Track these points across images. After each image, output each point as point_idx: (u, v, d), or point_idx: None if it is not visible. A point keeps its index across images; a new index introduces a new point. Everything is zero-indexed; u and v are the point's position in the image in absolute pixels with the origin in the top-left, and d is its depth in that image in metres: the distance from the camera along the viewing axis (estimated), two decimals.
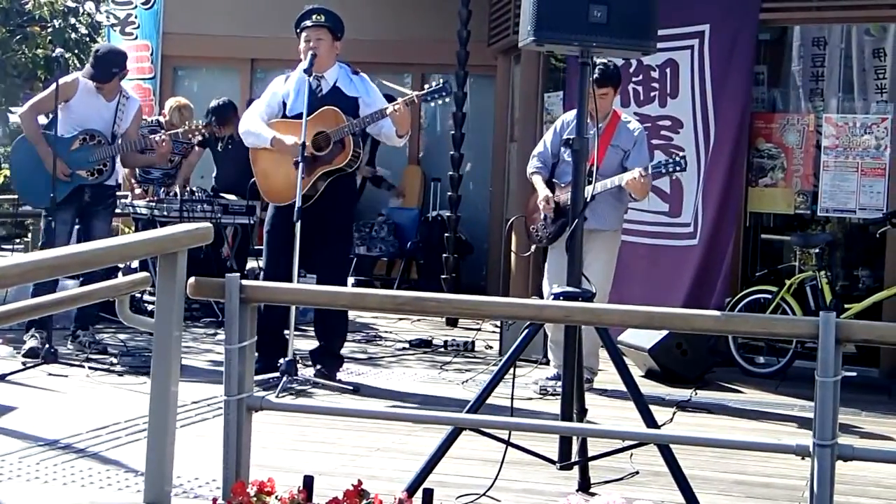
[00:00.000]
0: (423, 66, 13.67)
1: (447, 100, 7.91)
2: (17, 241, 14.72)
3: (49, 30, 12.08)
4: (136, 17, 13.85)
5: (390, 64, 13.13)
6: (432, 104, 8.08)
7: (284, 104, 7.84)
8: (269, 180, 7.83)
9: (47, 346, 7.78)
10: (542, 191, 7.82)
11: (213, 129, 9.03)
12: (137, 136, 8.61)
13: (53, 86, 8.32)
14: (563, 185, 7.67)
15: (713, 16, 9.51)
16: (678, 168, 7.50)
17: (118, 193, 9.16)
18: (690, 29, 9.52)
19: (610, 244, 7.92)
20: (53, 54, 8.34)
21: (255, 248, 10.92)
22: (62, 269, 3.99)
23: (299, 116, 7.62)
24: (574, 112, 7.94)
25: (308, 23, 7.75)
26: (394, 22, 13.70)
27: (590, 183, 7.59)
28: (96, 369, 7.69)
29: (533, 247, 8.35)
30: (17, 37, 12.03)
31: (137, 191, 10.80)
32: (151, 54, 13.82)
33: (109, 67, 8.35)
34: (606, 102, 7.81)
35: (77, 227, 8.50)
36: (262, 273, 7.99)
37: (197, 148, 11.14)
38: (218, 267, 10.12)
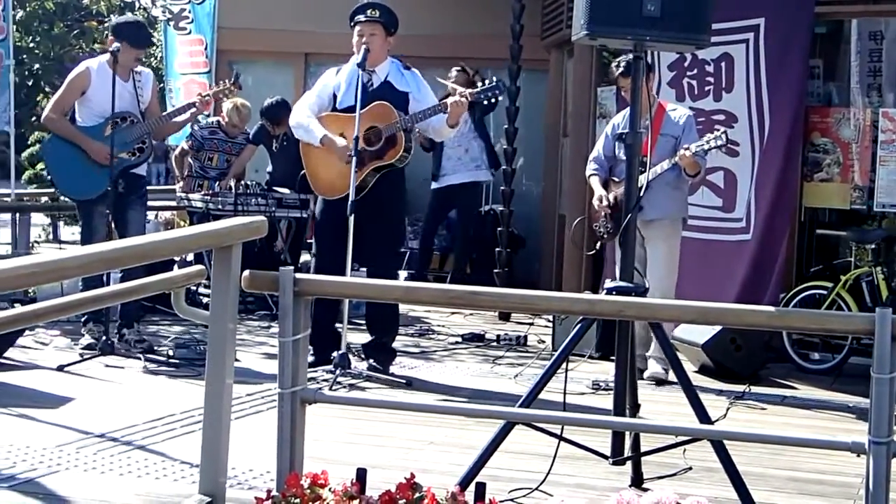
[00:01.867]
0: (475, 60, 13.64)
1: (500, 98, 7.91)
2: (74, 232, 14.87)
3: (106, 24, 12.19)
4: (189, 11, 13.92)
5: (442, 58, 13.11)
6: (485, 102, 8.04)
7: (335, 97, 7.87)
8: (319, 174, 7.87)
9: (104, 338, 7.85)
10: (598, 191, 8.00)
11: (239, 85, 8.97)
12: (158, 108, 8.58)
13: (67, 83, 8.35)
14: (617, 180, 7.75)
15: (769, 9, 9.45)
16: (720, 143, 7.56)
17: (170, 187, 9.19)
18: (746, 23, 9.46)
19: (669, 233, 7.98)
20: (110, 49, 8.34)
21: (309, 241, 11.00)
22: (120, 261, 4.03)
23: (349, 110, 7.66)
24: (622, 114, 8.02)
25: (362, 17, 7.77)
26: (446, 16, 13.70)
27: (642, 172, 7.70)
28: (152, 361, 7.75)
29: (598, 244, 8.42)
30: (75, 31, 12.16)
31: (180, 183, 10.86)
32: (206, 49, 13.88)
33: (146, 33, 8.30)
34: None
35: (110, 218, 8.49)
36: (312, 266, 8.03)
37: (249, 145, 11.23)
38: (272, 260, 10.17)
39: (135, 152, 8.24)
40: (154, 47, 8.33)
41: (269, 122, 11.19)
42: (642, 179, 7.69)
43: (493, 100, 7.88)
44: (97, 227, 8.13)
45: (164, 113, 8.47)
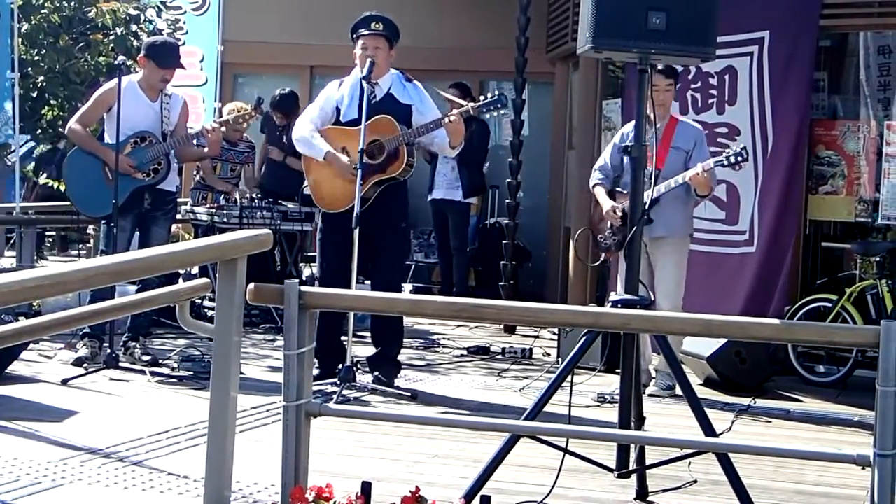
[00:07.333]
0: (481, 73, 13.68)
1: (503, 111, 7.91)
2: (80, 246, 14.87)
3: (111, 38, 12.18)
4: (184, 22, 13.82)
5: (448, 71, 13.15)
6: (488, 115, 8.06)
7: (338, 110, 7.88)
8: (321, 188, 7.87)
9: (109, 351, 7.84)
10: (606, 203, 7.94)
11: (261, 111, 8.96)
12: (186, 130, 8.55)
13: (95, 97, 8.34)
14: (625, 192, 7.70)
15: (773, 22, 9.45)
16: (741, 158, 7.53)
17: (178, 200, 9.16)
18: (750, 35, 9.46)
19: (678, 249, 7.97)
20: (115, 62, 8.34)
21: (309, 254, 11.01)
22: (125, 274, 4.03)
23: (353, 122, 7.68)
24: (632, 124, 8.00)
25: (365, 31, 7.77)
26: (451, 29, 13.72)
27: (650, 186, 7.68)
28: (157, 374, 7.75)
29: (602, 256, 8.39)
30: (80, 44, 12.14)
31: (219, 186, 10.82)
32: (201, 60, 13.80)
33: (174, 54, 8.34)
34: (671, 97, 7.90)
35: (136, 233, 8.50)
36: (317, 280, 8.04)
37: (266, 145, 11.32)
38: (274, 273, 10.17)
39: (150, 173, 8.22)
40: (180, 66, 8.28)
41: (279, 112, 11.30)
42: (649, 193, 7.70)
43: (495, 112, 7.88)
44: (118, 240, 8.06)
45: (185, 135, 8.43)
